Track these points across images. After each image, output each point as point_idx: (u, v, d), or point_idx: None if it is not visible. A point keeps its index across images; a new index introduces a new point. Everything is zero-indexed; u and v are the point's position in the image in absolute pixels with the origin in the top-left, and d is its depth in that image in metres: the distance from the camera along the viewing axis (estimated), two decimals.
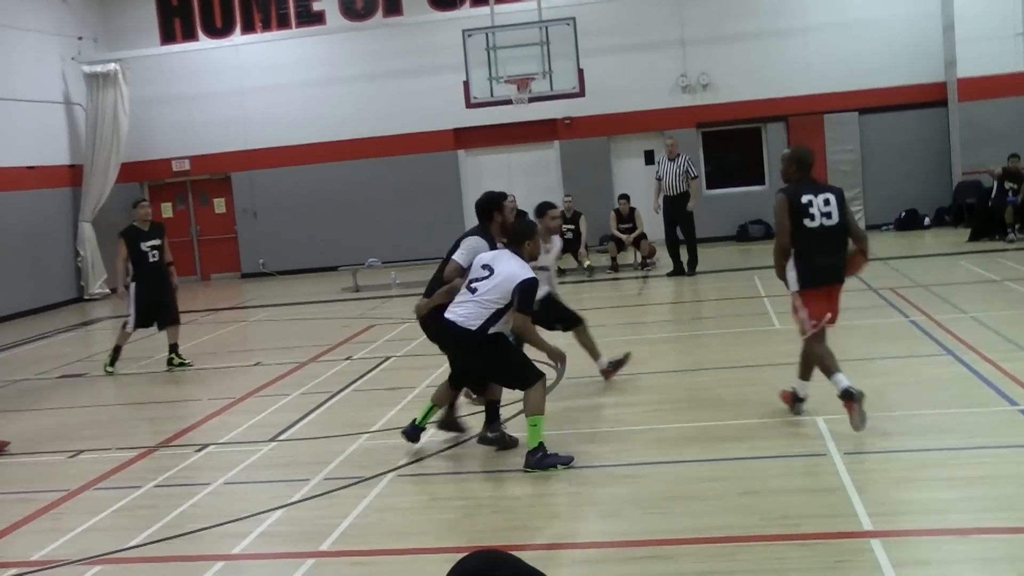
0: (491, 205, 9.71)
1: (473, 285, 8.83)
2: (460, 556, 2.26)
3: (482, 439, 9.23)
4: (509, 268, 8.74)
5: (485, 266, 8.89)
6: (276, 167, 26.30)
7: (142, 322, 14.36)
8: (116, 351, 14.55)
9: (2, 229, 22.18)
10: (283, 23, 26.40)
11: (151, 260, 14.27)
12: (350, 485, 8.41)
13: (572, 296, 18.93)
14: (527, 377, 8.61)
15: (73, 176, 25.66)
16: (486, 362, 8.84)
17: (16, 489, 9.50)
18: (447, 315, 8.86)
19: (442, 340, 9.28)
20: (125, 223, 14.64)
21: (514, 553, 2.36)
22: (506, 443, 9.12)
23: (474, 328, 8.61)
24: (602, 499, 7.74)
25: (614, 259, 21.53)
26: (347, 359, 13.83)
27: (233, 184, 27.24)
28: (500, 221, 9.69)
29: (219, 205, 27.60)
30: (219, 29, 26.69)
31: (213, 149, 26.92)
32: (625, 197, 22.09)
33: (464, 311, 8.73)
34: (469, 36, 22.65)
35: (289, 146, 26.41)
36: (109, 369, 14.44)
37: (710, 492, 7.60)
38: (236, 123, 26.76)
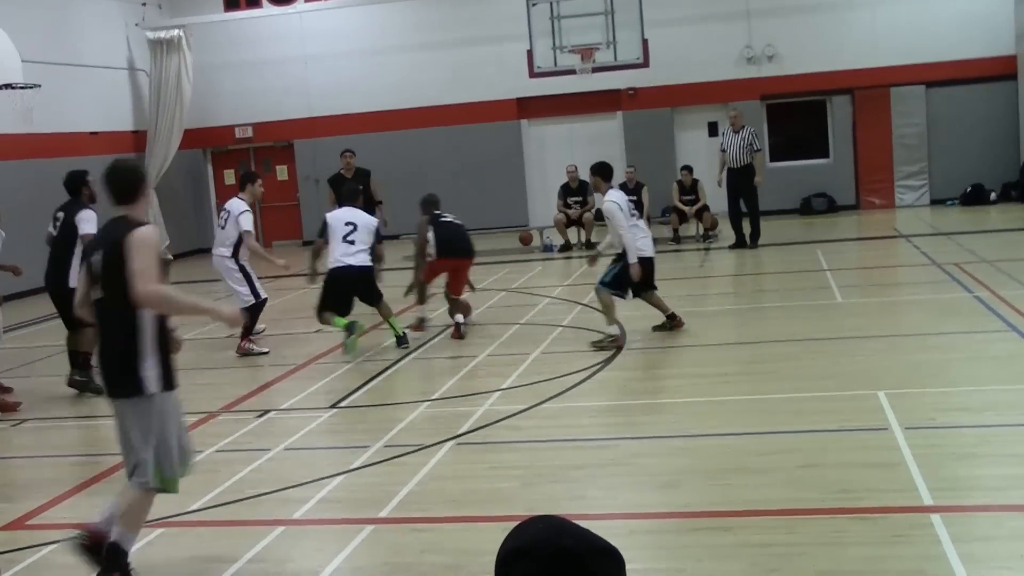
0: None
1: (350, 238, 12.57)
2: (515, 522, 2.23)
3: None
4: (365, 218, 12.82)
5: (348, 223, 12.60)
6: (339, 135, 26.30)
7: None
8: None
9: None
10: None
11: None
12: (410, 452, 8.43)
13: None
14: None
15: (137, 142, 25.87)
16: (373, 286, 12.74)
17: (79, 452, 9.62)
18: (349, 262, 12.59)
19: (352, 281, 12.62)
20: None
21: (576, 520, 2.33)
22: None
23: (370, 264, 12.63)
24: (661, 469, 7.70)
25: (676, 231, 21.40)
26: (407, 327, 13.84)
27: (296, 151, 27.34)
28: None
29: (281, 172, 27.71)
30: None
31: (276, 116, 27.02)
32: (688, 168, 21.92)
33: (360, 258, 12.59)
34: (533, 5, 22.53)
35: (352, 114, 26.43)
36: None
37: (769, 465, 7.54)
38: (299, 90, 26.82)
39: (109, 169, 6.46)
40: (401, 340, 12.83)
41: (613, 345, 11.81)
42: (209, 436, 9.52)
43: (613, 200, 11.97)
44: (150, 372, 6.08)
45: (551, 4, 22.40)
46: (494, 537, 2.26)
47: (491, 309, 15.06)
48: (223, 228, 13.58)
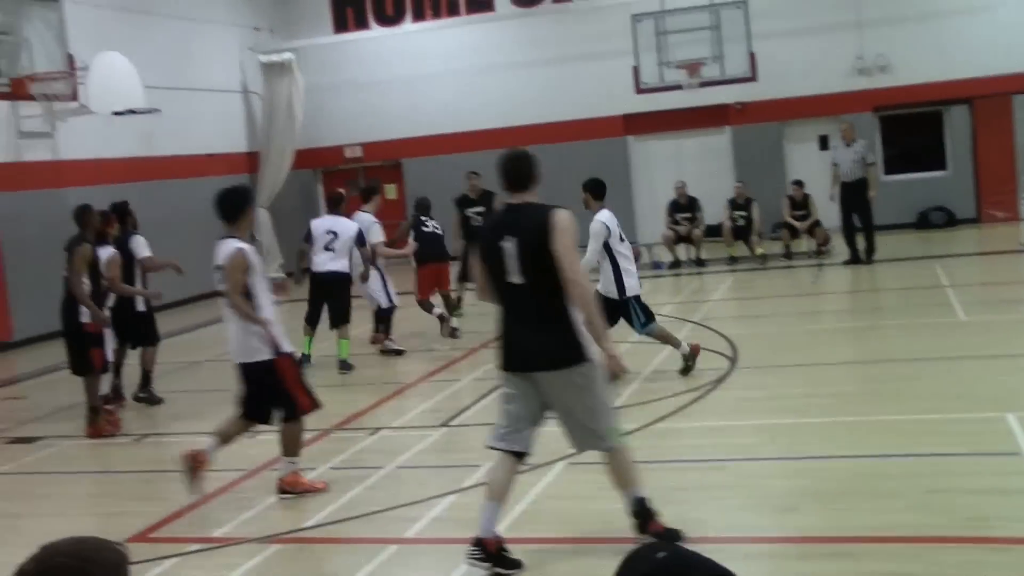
0: None
1: (331, 246, 13.30)
2: (631, 546, 2.17)
3: None
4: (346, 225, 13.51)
5: (329, 231, 13.30)
6: (446, 153, 26.44)
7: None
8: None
9: (184, 215, 22.82)
10: (453, 10, 26.54)
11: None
12: (521, 472, 8.38)
13: (745, 284, 18.69)
14: None
15: (250, 163, 26.30)
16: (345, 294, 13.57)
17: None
18: (327, 268, 13.39)
19: (328, 286, 13.43)
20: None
21: (687, 546, 2.26)
22: None
23: (346, 272, 13.53)
24: (778, 492, 7.56)
25: (787, 247, 21.10)
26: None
27: (404, 170, 27.54)
28: None
29: (390, 191, 27.92)
30: (390, 17, 26.98)
31: (384, 136, 27.23)
32: (799, 183, 21.61)
33: (337, 264, 13.40)
34: (638, 21, 22.49)
35: (459, 132, 26.54)
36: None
37: (893, 489, 7.34)
38: (407, 110, 27.01)
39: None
40: (344, 364, 13.47)
41: (695, 359, 11.54)
42: (323, 453, 9.59)
43: (603, 221, 11.38)
44: (587, 340, 6.43)
45: (656, 20, 22.32)
46: (607, 558, 2.22)
47: None
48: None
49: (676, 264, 21.24)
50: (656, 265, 21.47)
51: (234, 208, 8.33)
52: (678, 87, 22.37)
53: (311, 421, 10.15)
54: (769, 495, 7.53)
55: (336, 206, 14.03)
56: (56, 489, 9.93)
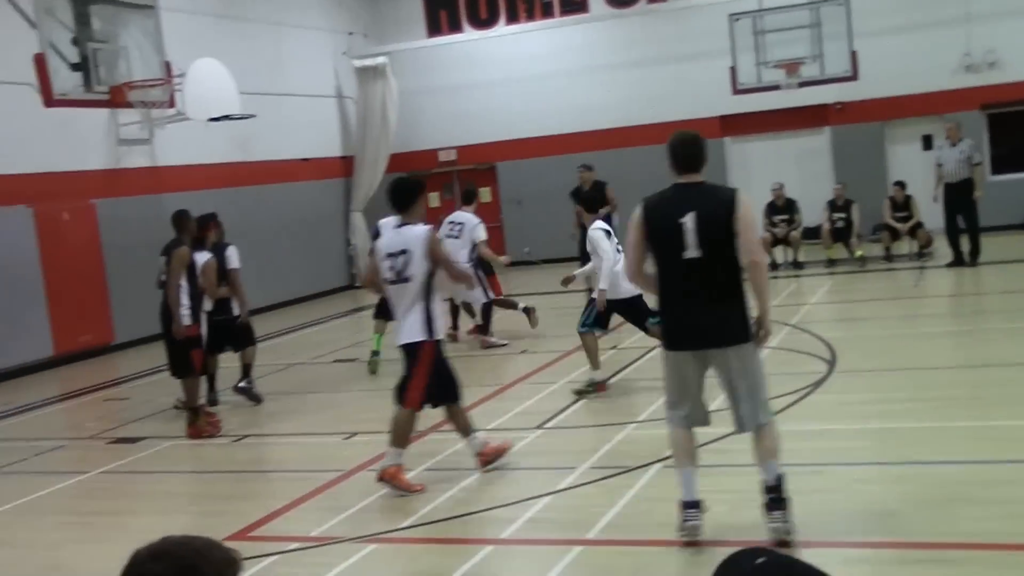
0: None
1: None
2: (728, 550, 2.12)
3: None
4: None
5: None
6: (541, 156, 26.44)
7: None
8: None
9: (280, 219, 23.10)
10: (547, 12, 26.54)
11: None
12: (617, 474, 8.35)
13: (844, 287, 18.42)
14: None
15: (345, 167, 26.54)
16: None
17: (296, 468, 9.85)
18: None
19: None
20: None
21: (784, 551, 2.19)
22: None
23: None
24: (878, 497, 7.43)
25: (888, 249, 20.72)
26: (613, 348, 13.77)
27: (498, 173, 27.59)
28: None
29: (484, 194, 27.95)
30: (484, 20, 27.05)
31: (478, 139, 27.31)
32: (900, 184, 21.22)
33: None
34: (736, 20, 22.28)
35: (554, 135, 26.54)
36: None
37: (998, 496, 7.16)
38: (501, 113, 27.06)
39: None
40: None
41: (594, 391, 11.40)
42: (420, 455, 9.61)
43: (602, 227, 11.54)
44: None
45: (754, 19, 22.10)
46: (703, 562, 2.17)
47: None
48: (457, 238, 14.76)
49: (773, 266, 20.99)
50: None
51: (408, 196, 8.74)
52: (776, 87, 22.10)
53: None
54: (868, 500, 7.39)
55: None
56: (157, 488, 10.08)
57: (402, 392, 8.67)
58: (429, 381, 8.62)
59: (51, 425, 13.46)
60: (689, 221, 6.55)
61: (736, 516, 7.23)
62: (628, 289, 11.02)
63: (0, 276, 16.86)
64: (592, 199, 12.59)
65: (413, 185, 8.93)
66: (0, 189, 16.96)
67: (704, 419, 6.96)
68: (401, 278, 8.54)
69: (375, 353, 14.24)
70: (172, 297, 11.31)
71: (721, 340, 6.62)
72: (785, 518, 6.60)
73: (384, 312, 14.50)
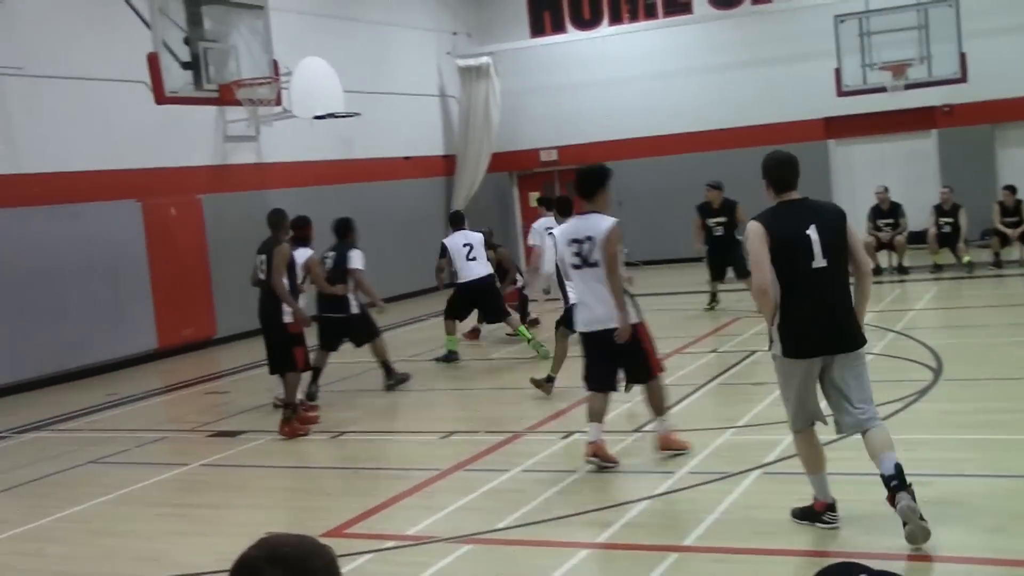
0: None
1: (472, 255, 14.97)
2: (825, 561, 2.06)
3: None
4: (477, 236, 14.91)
5: (465, 244, 14.37)
6: (642, 157, 26.31)
7: None
8: None
9: (382, 216, 23.24)
10: (650, 13, 26.39)
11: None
12: (715, 480, 8.25)
13: (950, 293, 18.06)
14: None
15: (447, 166, 26.66)
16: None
17: (393, 466, 9.90)
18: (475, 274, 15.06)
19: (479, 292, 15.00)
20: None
21: (883, 563, 2.12)
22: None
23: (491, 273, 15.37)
24: (987, 511, 7.22)
25: (997, 255, 20.24)
26: (712, 351, 13.64)
27: None
28: None
29: None
30: (587, 21, 26.99)
31: (580, 139, 27.24)
32: (1010, 188, 20.69)
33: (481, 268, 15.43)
34: (841, 22, 21.95)
35: (655, 136, 26.39)
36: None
37: None
38: (602, 113, 26.98)
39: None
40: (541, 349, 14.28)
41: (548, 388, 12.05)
42: (515, 456, 9.62)
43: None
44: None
45: (860, 20, 21.75)
46: (801, 572, 2.11)
47: None
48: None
49: (877, 271, 20.60)
50: None
51: (593, 185, 9.08)
52: (882, 89, 21.73)
53: (508, 423, 10.22)
54: (976, 514, 7.20)
55: (458, 223, 15.82)
56: (255, 482, 10.19)
57: (639, 371, 9.16)
58: (654, 348, 9.26)
59: (153, 417, 13.69)
60: (813, 232, 6.84)
61: (840, 526, 7.11)
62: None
63: (108, 269, 17.21)
64: (565, 203, 13.30)
65: (599, 172, 9.22)
66: (110, 184, 17.31)
67: (821, 417, 7.14)
68: (587, 263, 8.91)
69: (453, 354, 14.88)
70: (281, 293, 11.40)
71: (851, 344, 6.88)
72: (913, 498, 6.62)
73: (455, 311, 14.89)
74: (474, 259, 15.26)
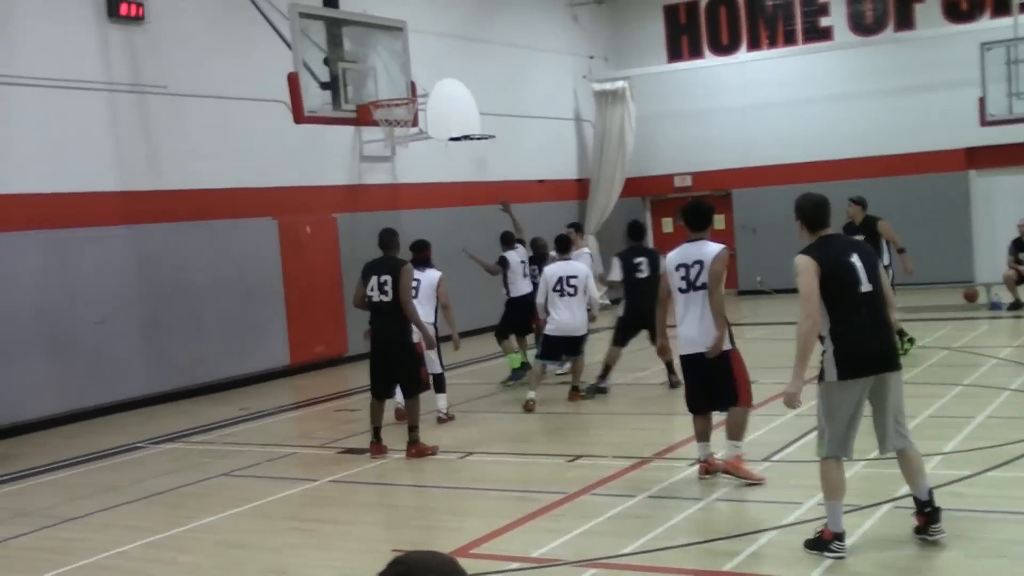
0: None
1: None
2: None
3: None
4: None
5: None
6: (777, 184, 25.99)
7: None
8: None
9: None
10: (789, 39, 26.15)
11: None
12: (845, 512, 8.05)
13: None
14: None
15: (580, 190, 26.69)
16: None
17: (516, 487, 9.89)
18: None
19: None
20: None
21: None
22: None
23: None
24: None
25: None
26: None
27: (734, 200, 27.27)
28: None
29: (719, 221, 27.67)
30: (725, 46, 26.85)
31: (715, 166, 27.07)
32: None
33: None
34: (988, 50, 21.47)
35: (791, 164, 26.04)
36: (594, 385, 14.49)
37: None
38: (738, 140, 26.76)
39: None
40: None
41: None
42: (643, 482, 9.55)
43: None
44: None
45: (1008, 48, 21.24)
46: None
47: (931, 368, 14.32)
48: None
49: (1017, 305, 20.05)
50: (995, 306, 20.36)
51: (704, 219, 9.69)
52: None
53: (635, 449, 10.15)
54: None
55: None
56: (381, 500, 10.28)
57: (728, 397, 9.39)
58: (747, 378, 9.54)
59: (283, 432, 13.91)
60: (857, 260, 7.29)
61: (970, 563, 6.91)
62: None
63: (244, 285, 17.56)
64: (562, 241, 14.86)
65: (709, 208, 9.86)
66: (249, 201, 17.68)
67: (852, 452, 7.46)
68: (694, 287, 9.35)
69: (523, 366, 15.31)
70: (411, 313, 11.42)
71: (895, 364, 7.29)
72: (942, 529, 7.21)
73: (514, 327, 15.56)
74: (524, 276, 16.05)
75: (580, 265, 14.10)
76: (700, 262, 9.32)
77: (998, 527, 7.68)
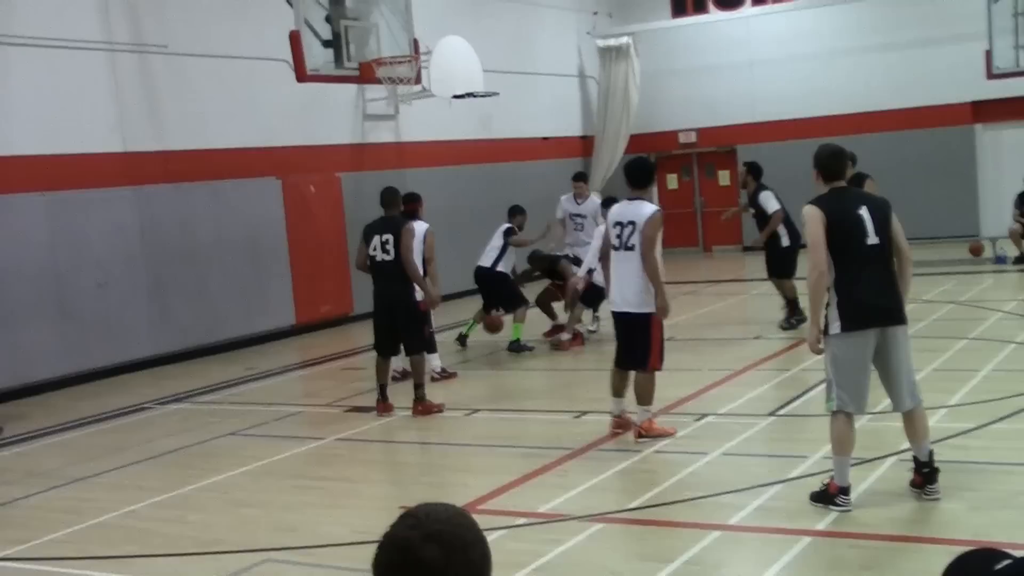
0: None
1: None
2: (959, 550, 1.99)
3: None
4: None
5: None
6: (782, 140, 25.89)
7: None
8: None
9: (519, 197, 23.11)
10: None
11: None
12: (851, 465, 8.08)
13: None
14: None
15: (584, 147, 26.61)
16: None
17: (523, 444, 9.91)
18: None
19: None
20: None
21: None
22: None
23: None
24: None
25: None
26: None
27: (738, 157, 27.15)
28: None
29: (723, 177, 27.64)
30: (729, 1, 26.66)
31: (720, 121, 26.95)
32: None
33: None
34: (995, 2, 21.31)
35: (796, 119, 25.92)
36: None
37: None
38: (743, 95, 26.63)
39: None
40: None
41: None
42: (649, 438, 9.57)
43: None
44: None
45: (1015, 0, 21.09)
46: (937, 561, 2.05)
47: (937, 322, 14.31)
48: None
49: (1022, 259, 20.04)
50: (999, 259, 20.32)
51: (646, 176, 9.78)
52: None
53: (637, 405, 10.14)
54: None
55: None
56: (389, 457, 10.34)
57: (638, 358, 9.45)
58: (662, 346, 9.50)
59: (290, 391, 13.95)
60: (865, 212, 7.24)
61: (974, 515, 6.95)
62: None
63: (249, 245, 17.55)
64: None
65: (651, 166, 9.92)
66: (251, 161, 17.64)
67: (865, 407, 7.50)
68: (625, 246, 9.35)
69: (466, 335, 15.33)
70: (414, 272, 11.43)
71: (900, 318, 7.24)
72: (938, 489, 7.25)
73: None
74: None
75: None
76: (633, 223, 9.35)
77: (1003, 479, 7.72)
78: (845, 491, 7.24)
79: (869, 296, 7.17)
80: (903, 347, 7.24)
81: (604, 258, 9.96)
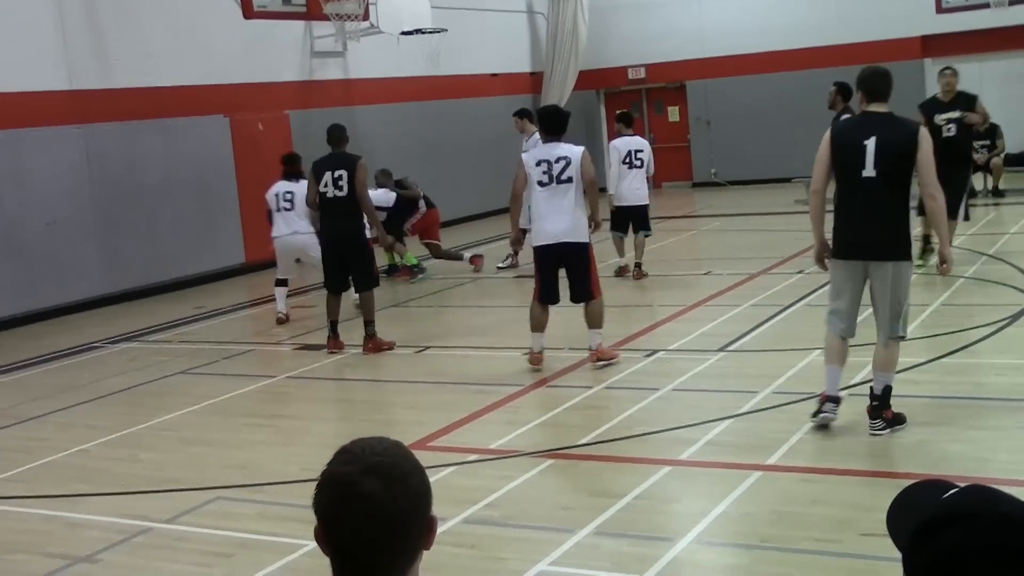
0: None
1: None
2: (908, 482, 2.00)
3: None
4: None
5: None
6: (732, 76, 25.89)
7: None
8: None
9: (468, 133, 23.21)
10: None
11: None
12: (800, 400, 8.18)
13: None
14: None
15: (534, 83, 26.46)
16: None
17: (473, 381, 9.93)
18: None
19: None
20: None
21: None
22: None
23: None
24: None
25: None
26: (799, 272, 13.48)
27: (688, 92, 27.15)
28: None
29: (673, 113, 27.63)
30: None
31: (669, 57, 26.86)
32: None
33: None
34: None
35: (745, 54, 25.90)
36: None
37: None
38: (693, 31, 26.54)
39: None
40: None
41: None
42: (598, 373, 9.61)
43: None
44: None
45: None
46: (886, 493, 2.07)
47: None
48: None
49: (972, 194, 20.15)
50: None
51: (563, 125, 9.99)
52: (985, 5, 21.11)
53: (587, 341, 10.17)
54: None
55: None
56: (339, 395, 10.33)
57: (586, 289, 9.82)
58: (597, 272, 10.04)
59: (240, 330, 13.87)
60: (871, 144, 7.16)
61: (924, 448, 7.04)
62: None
63: (197, 184, 17.37)
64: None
65: (567, 114, 10.24)
66: (199, 99, 17.41)
67: (852, 331, 7.57)
68: (558, 179, 9.64)
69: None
70: (369, 208, 11.38)
71: (885, 254, 7.22)
72: (882, 426, 7.27)
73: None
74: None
75: (645, 141, 15.01)
76: (567, 158, 9.65)
77: (952, 412, 7.80)
78: (832, 399, 7.45)
79: (853, 228, 7.30)
80: (886, 283, 7.24)
81: (515, 199, 10.10)
